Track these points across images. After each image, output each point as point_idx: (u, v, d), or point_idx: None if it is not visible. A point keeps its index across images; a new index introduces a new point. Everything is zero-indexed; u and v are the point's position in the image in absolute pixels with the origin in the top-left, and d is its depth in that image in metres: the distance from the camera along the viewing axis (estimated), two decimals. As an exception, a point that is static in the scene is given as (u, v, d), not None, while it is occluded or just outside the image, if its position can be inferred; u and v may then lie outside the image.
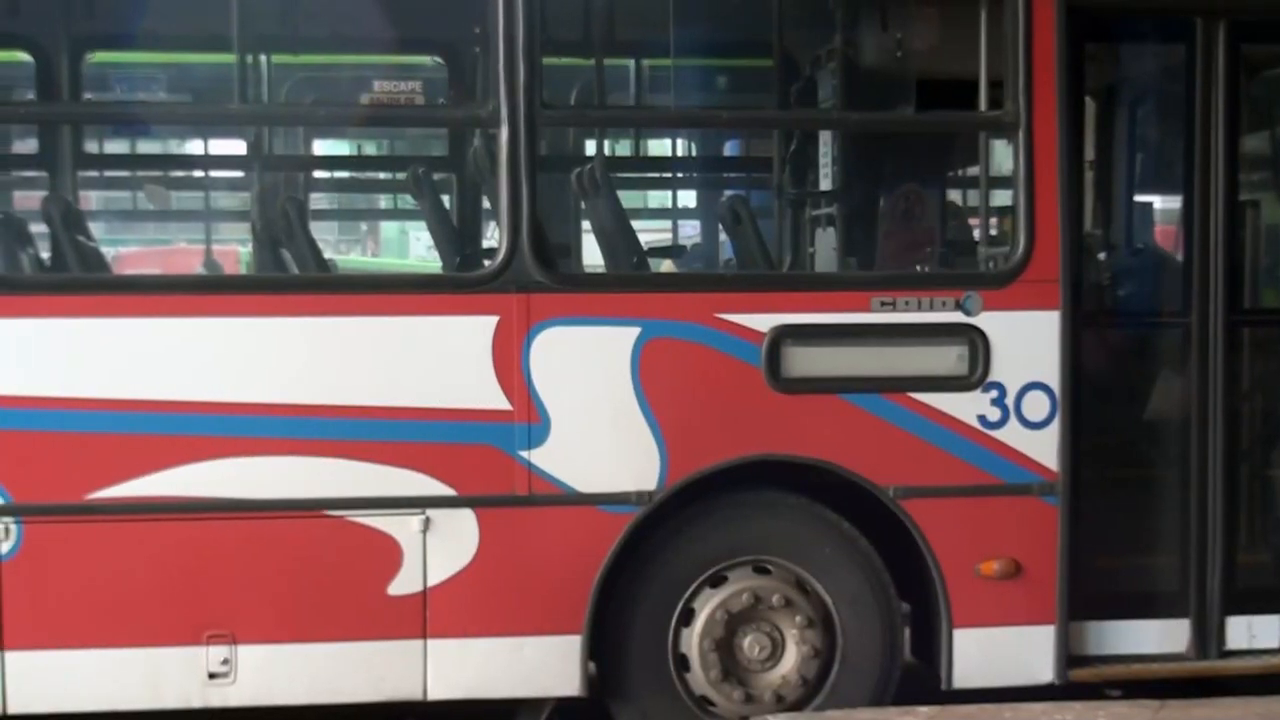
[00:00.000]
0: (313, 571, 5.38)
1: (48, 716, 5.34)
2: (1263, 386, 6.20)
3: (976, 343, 5.65)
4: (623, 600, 5.58)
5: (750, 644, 5.68)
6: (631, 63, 8.14)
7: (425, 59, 8.49)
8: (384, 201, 11.47)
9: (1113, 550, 5.97)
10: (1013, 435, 5.68)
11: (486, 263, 5.75)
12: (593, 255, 6.83)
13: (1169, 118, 6.43)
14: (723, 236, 7.02)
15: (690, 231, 9.22)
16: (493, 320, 5.43)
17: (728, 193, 7.93)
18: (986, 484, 5.68)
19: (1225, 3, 5.87)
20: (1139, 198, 7.13)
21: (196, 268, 8.74)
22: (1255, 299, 6.37)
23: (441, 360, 5.46)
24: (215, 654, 5.32)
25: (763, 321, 5.55)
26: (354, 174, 10.32)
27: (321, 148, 9.54)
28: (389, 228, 15.24)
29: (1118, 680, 5.92)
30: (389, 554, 5.39)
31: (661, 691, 5.65)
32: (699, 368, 5.54)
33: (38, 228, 6.56)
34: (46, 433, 5.26)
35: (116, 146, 8.56)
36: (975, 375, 5.65)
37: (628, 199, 7.74)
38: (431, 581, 5.41)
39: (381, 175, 10.27)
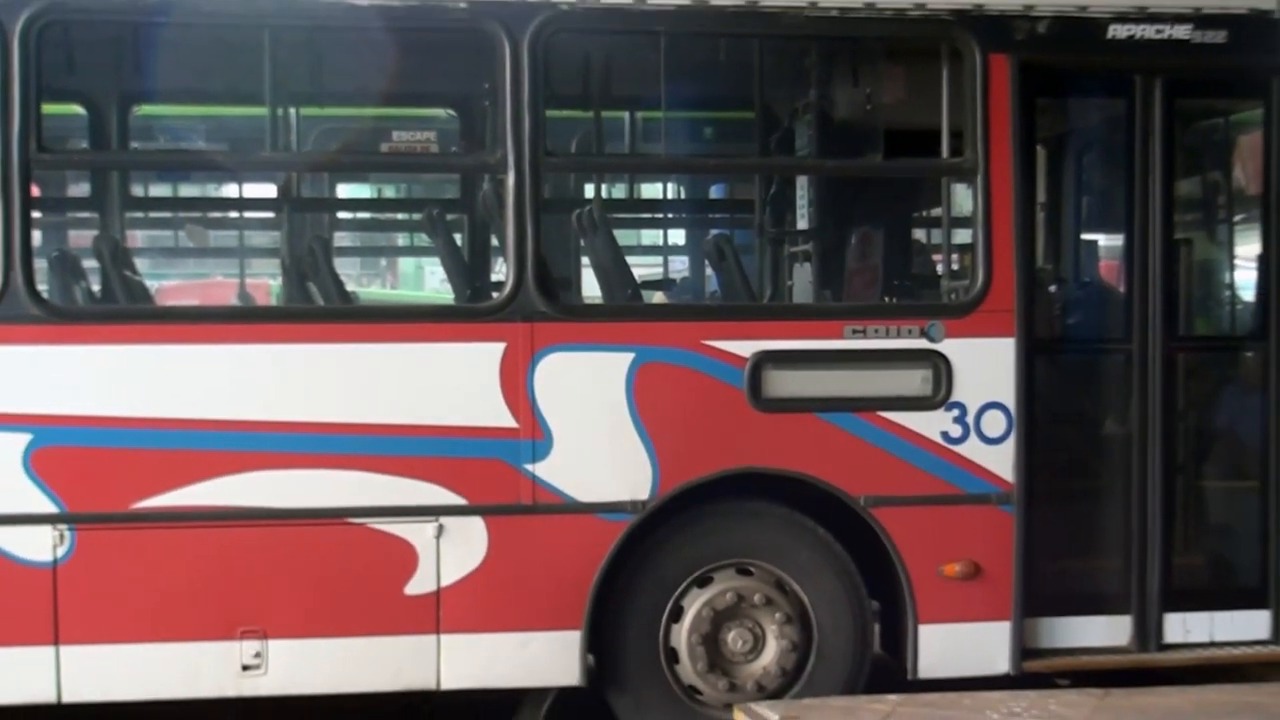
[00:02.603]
0: (337, 573, 5.40)
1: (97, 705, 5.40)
2: (1197, 406, 6.22)
3: (940, 366, 5.69)
4: (619, 599, 5.60)
5: (734, 638, 5.70)
6: (626, 115, 8.19)
7: (439, 112, 8.52)
8: (401, 239, 11.48)
9: (1063, 553, 5.99)
10: (973, 450, 5.72)
11: (495, 295, 5.80)
12: (591, 288, 6.86)
13: (1112, 164, 6.46)
14: (709, 271, 7.07)
15: (679, 266, 9.28)
16: (500, 346, 5.47)
17: (713, 231, 7.97)
18: (949, 494, 5.71)
19: (1161, 62, 5.90)
20: (1085, 236, 7.14)
21: (231, 299, 8.76)
22: (1189, 327, 6.40)
23: (454, 382, 5.48)
24: (248, 648, 5.35)
25: (745, 347, 5.59)
26: (374, 215, 10.34)
27: (345, 191, 9.59)
28: (406, 263, 15.21)
29: (1067, 670, 5.98)
30: (406, 557, 5.42)
31: (653, 681, 5.67)
32: (687, 389, 5.57)
33: (89, 263, 6.61)
34: (97, 448, 5.29)
35: (160, 190, 8.61)
36: (939, 396, 5.69)
37: (623, 237, 7.79)
38: (444, 582, 5.44)
39: (399, 216, 10.30)
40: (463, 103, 7.76)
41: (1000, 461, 5.73)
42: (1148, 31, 5.86)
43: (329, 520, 5.40)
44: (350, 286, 7.35)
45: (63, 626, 5.23)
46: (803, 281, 7.20)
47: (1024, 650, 5.80)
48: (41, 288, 5.50)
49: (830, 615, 5.75)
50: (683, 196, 9.33)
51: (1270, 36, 5.95)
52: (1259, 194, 6.25)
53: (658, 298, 7.82)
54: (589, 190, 7.95)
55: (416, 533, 5.43)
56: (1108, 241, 7.14)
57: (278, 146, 7.09)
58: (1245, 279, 6.64)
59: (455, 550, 5.44)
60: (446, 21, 5.60)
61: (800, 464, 5.65)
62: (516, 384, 5.46)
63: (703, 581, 5.70)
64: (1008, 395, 5.73)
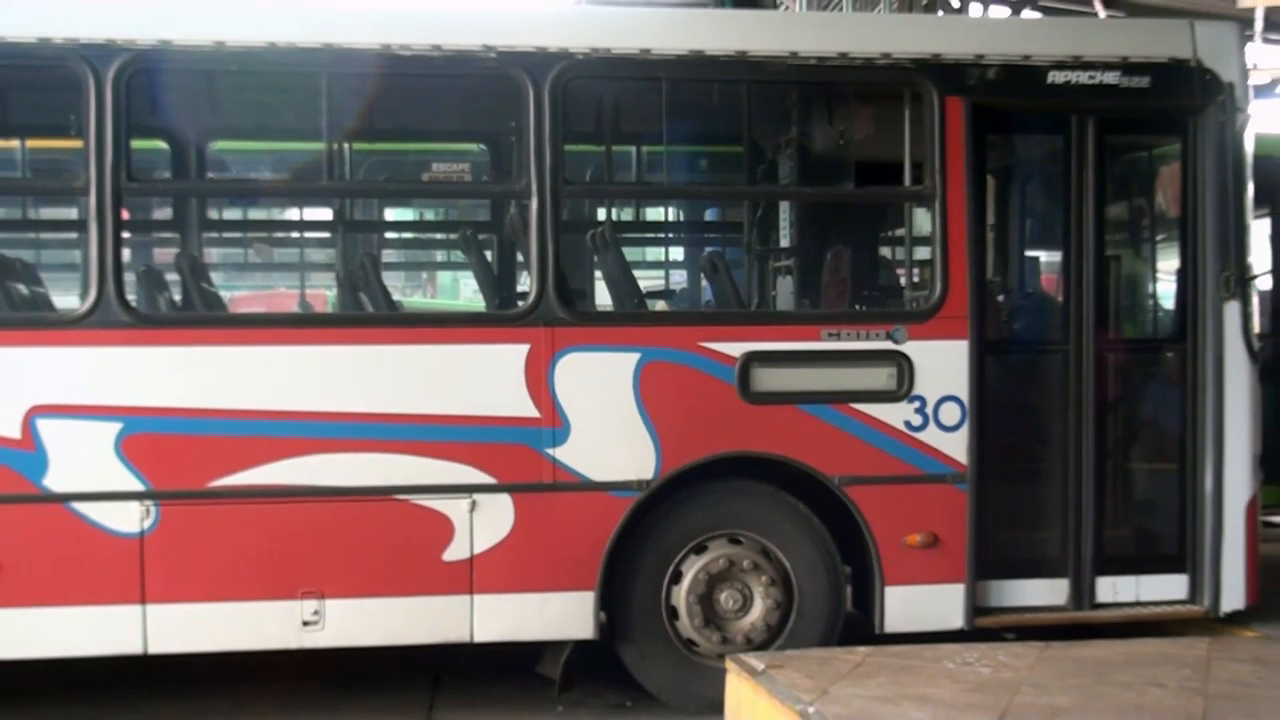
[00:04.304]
0: (384, 542, 5.41)
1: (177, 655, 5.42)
2: (1125, 398, 6.22)
3: (903, 365, 5.70)
4: (627, 564, 5.61)
5: (726, 598, 5.71)
6: (634, 149, 8.18)
7: (473, 146, 8.52)
8: (440, 256, 11.45)
9: (1010, 525, 5.98)
10: (932, 436, 5.73)
11: (520, 303, 5.80)
12: (603, 297, 6.86)
13: (1051, 191, 6.46)
14: (704, 282, 7.06)
15: (679, 279, 9.24)
16: (525, 348, 5.48)
17: (708, 249, 7.95)
18: (911, 474, 5.72)
19: (1094, 103, 5.91)
20: (1029, 253, 7.14)
21: (294, 307, 8.75)
22: (1119, 331, 6.37)
23: (485, 378, 5.49)
24: (308, 606, 5.36)
25: (736, 348, 5.60)
26: (416, 234, 10.33)
27: (391, 214, 9.57)
28: (444, 276, 15.15)
29: (1013, 626, 5.97)
30: (444, 529, 5.43)
31: (656, 635, 5.69)
32: (686, 384, 5.58)
33: (171, 277, 6.62)
34: (178, 435, 5.31)
35: (232, 214, 8.59)
36: (902, 390, 5.70)
37: (631, 254, 7.79)
38: (477, 550, 5.45)
39: (438, 235, 10.30)
40: (493, 138, 7.74)
41: (956, 446, 5.74)
42: (1081, 77, 5.88)
43: (378, 497, 5.41)
44: (396, 296, 7.33)
45: (148, 588, 5.25)
46: (785, 292, 7.21)
47: (976, 609, 5.81)
48: (130, 297, 5.52)
49: (809, 578, 5.76)
50: (682, 219, 9.32)
51: (1187, 81, 5.96)
52: (1178, 217, 6.24)
53: (660, 305, 7.82)
54: (601, 213, 7.94)
55: (453, 507, 5.44)
56: (1048, 257, 7.15)
57: (334, 176, 7.08)
58: (1166, 290, 6.64)
59: (486, 522, 5.45)
60: (479, 69, 5.61)
61: (783, 448, 5.66)
62: (539, 379, 5.47)
63: (699, 549, 5.72)
64: (962, 389, 5.74)
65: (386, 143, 8.53)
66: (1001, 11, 20.94)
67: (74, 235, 7.31)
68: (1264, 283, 7.70)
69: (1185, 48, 5.98)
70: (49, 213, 8.10)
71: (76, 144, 5.39)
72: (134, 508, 5.25)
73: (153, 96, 6.25)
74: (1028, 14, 20.81)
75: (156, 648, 5.29)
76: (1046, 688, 5.04)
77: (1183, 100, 5.98)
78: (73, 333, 5.28)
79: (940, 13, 17.76)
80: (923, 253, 6.28)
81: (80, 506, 5.23)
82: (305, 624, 5.37)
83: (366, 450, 5.41)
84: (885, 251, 7.65)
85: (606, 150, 7.63)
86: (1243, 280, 6.01)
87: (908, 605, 5.74)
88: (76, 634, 5.25)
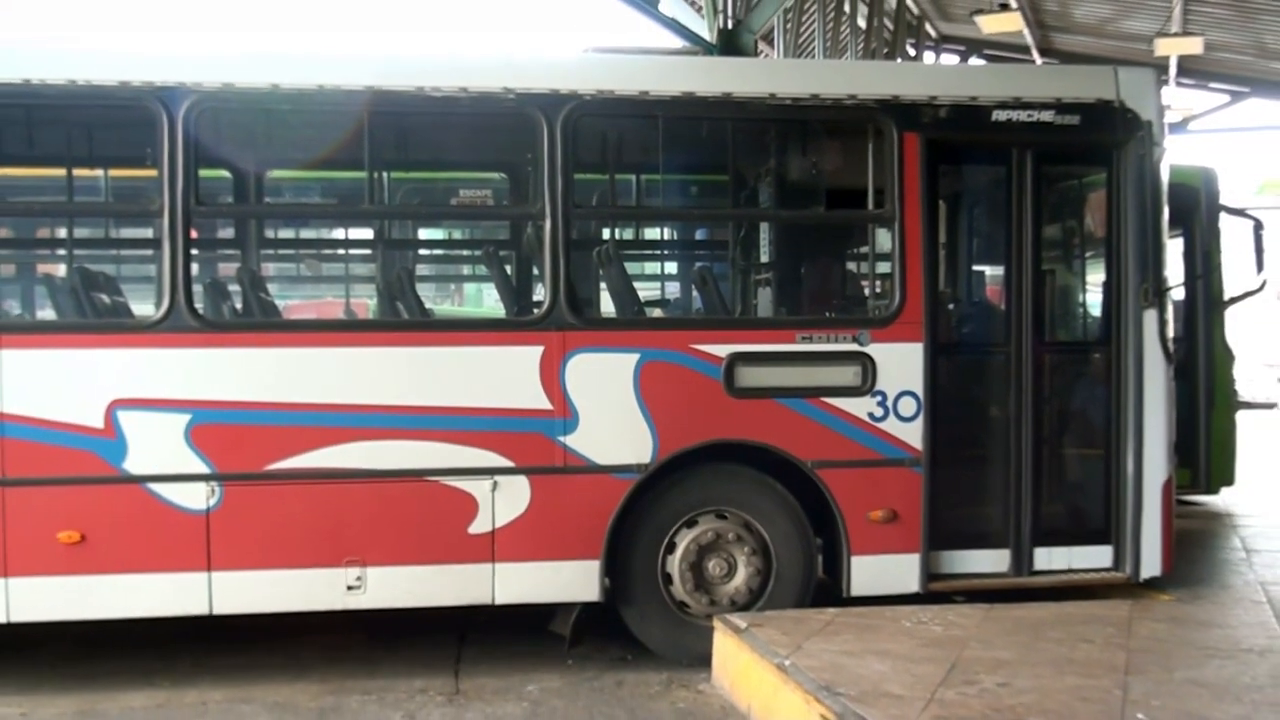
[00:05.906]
0: (418, 517, 5.41)
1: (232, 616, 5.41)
2: (1058, 393, 6.21)
3: (867, 364, 5.71)
4: (627, 536, 5.61)
5: (713, 566, 5.72)
6: (634, 177, 8.17)
7: (494, 174, 8.51)
8: (466, 269, 11.41)
9: (959, 503, 5.98)
10: (891, 426, 5.73)
11: (535, 311, 5.79)
12: (607, 305, 6.84)
13: (995, 214, 6.44)
14: (695, 293, 7.05)
15: (673, 289, 9.23)
16: (539, 349, 5.48)
17: (698, 264, 7.94)
18: (874, 459, 5.72)
19: (1031, 138, 5.92)
20: (975, 267, 7.14)
21: (340, 314, 8.73)
22: (1053, 335, 6.39)
23: (505, 375, 5.49)
24: (351, 573, 5.37)
25: (722, 350, 5.61)
26: (445, 251, 10.31)
27: (423, 233, 9.54)
28: (470, 288, 15.15)
29: (962, 590, 5.96)
30: (469, 506, 5.43)
31: (653, 598, 5.69)
32: (679, 380, 5.58)
33: (234, 288, 6.61)
34: (240, 425, 5.31)
35: (286, 233, 8.56)
36: (866, 386, 5.70)
37: (631, 268, 7.74)
38: (498, 524, 5.45)
39: (464, 252, 10.27)
40: (511, 168, 7.72)
41: (912, 434, 5.74)
42: (1021, 115, 5.90)
43: (412, 478, 5.41)
44: (428, 304, 7.31)
45: (214, 557, 5.26)
46: (765, 300, 7.18)
47: (929, 575, 5.81)
48: (198, 305, 5.52)
49: (785, 548, 5.77)
50: (675, 237, 9.30)
51: (1111, 120, 6.00)
52: (1103, 236, 6.24)
53: (657, 313, 7.78)
54: (606, 233, 7.93)
55: (477, 487, 5.44)
56: (992, 271, 7.12)
57: (374, 201, 7.03)
58: (1093, 299, 6.62)
59: (506, 500, 5.45)
60: (499, 107, 5.62)
61: (764, 436, 5.66)
62: (552, 376, 5.47)
63: (690, 523, 5.72)
64: (918, 385, 5.75)
65: (419, 171, 8.50)
66: (952, 59, 20.95)
67: (149, 252, 7.28)
68: (1177, 294, 7.70)
69: (1110, 90, 5.99)
70: (128, 232, 8.08)
71: (151, 173, 5.39)
72: (201, 488, 5.25)
73: (217, 131, 6.22)
74: (975, 61, 20.85)
75: (220, 609, 5.30)
76: (991, 643, 5.05)
77: (1108, 136, 6.00)
78: (148, 336, 5.28)
79: (899, 59, 17.79)
80: (884, 267, 6.24)
81: (154, 487, 5.23)
82: (349, 588, 5.37)
83: (402, 438, 5.40)
84: (851, 266, 7.64)
85: (610, 178, 7.61)
86: (1159, 291, 6.02)
87: (871, 572, 5.74)
88: (151, 597, 5.25)
